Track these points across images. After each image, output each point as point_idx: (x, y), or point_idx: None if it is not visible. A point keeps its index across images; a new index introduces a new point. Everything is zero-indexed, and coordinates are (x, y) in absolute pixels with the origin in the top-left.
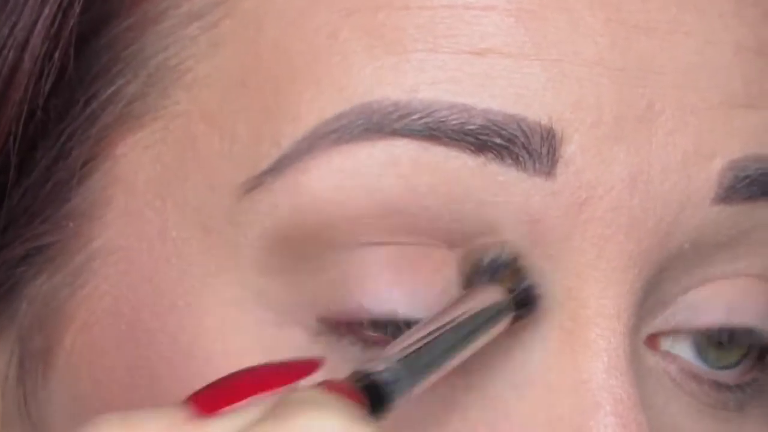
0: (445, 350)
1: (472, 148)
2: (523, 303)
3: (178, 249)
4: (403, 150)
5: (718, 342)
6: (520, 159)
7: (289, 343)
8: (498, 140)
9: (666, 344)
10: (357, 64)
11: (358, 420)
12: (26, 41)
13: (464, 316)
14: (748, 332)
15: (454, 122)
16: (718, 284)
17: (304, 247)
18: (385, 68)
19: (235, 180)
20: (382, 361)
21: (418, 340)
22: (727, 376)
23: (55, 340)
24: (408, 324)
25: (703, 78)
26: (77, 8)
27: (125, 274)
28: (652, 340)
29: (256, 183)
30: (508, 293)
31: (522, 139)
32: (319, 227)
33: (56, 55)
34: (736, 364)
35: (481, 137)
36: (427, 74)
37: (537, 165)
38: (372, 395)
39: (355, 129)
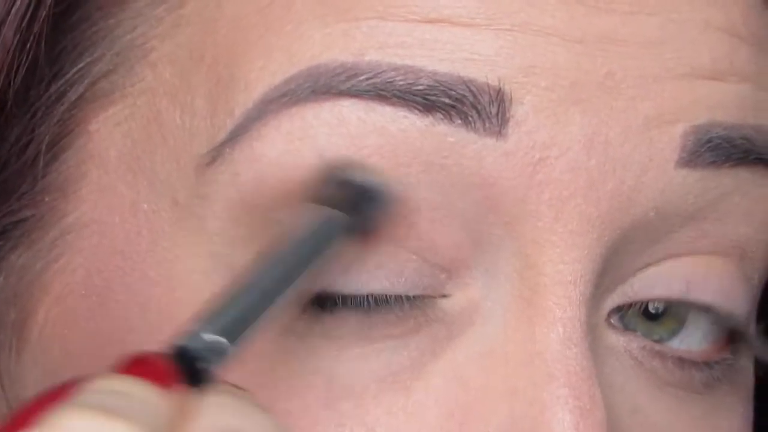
0: (266, 290)
1: (420, 108)
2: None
3: (149, 222)
4: (350, 110)
5: (646, 317)
6: (470, 118)
7: None
8: (446, 100)
9: (622, 321)
10: (308, 31)
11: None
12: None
13: (281, 252)
14: (706, 308)
15: (401, 83)
16: (680, 259)
17: (268, 214)
18: (335, 34)
19: (197, 153)
20: (195, 327)
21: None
22: (690, 353)
23: (29, 313)
24: (356, 300)
25: (667, 51)
26: None
27: (98, 246)
28: (610, 317)
29: (216, 154)
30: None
31: (470, 99)
32: (278, 192)
33: (29, 44)
34: (669, 338)
35: (428, 97)
36: (376, 39)
37: (487, 125)
38: (187, 364)
39: (303, 92)
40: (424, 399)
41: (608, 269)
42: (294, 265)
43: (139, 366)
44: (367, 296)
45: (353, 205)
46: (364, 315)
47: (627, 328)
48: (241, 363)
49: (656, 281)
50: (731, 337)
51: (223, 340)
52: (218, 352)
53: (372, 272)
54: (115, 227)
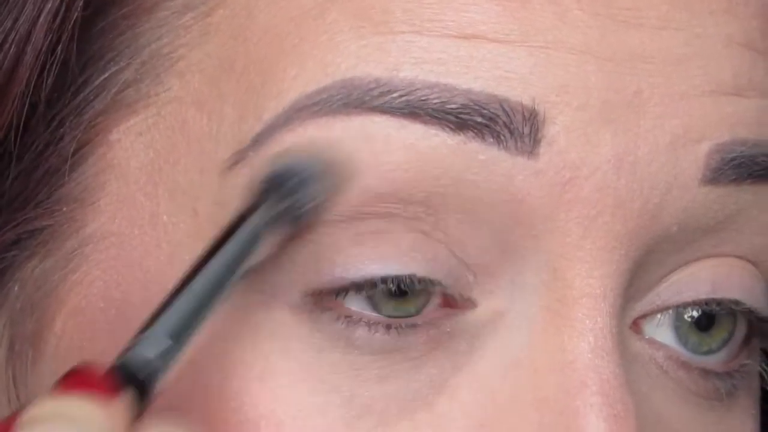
0: (200, 296)
1: (452, 126)
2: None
3: (168, 234)
4: (380, 126)
5: (697, 328)
6: (502, 137)
7: (274, 323)
8: (479, 119)
9: (649, 330)
10: (342, 42)
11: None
12: (29, 34)
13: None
14: (734, 303)
15: (435, 101)
16: (703, 262)
17: None
18: (370, 47)
19: (221, 158)
20: (138, 341)
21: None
22: (715, 363)
23: (46, 324)
24: (384, 281)
25: (692, 67)
26: (80, 1)
27: (116, 259)
28: (636, 325)
29: (238, 158)
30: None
31: (503, 118)
32: None
33: (59, 48)
34: (718, 350)
35: (461, 116)
36: (411, 54)
37: (519, 144)
38: (130, 377)
39: (335, 103)
40: (449, 411)
41: (633, 281)
42: (226, 262)
43: (79, 379)
44: (398, 283)
45: (280, 191)
46: (385, 334)
47: (678, 340)
48: (260, 380)
49: (682, 287)
50: (744, 340)
51: (167, 341)
52: (164, 355)
53: (407, 254)
54: (134, 239)
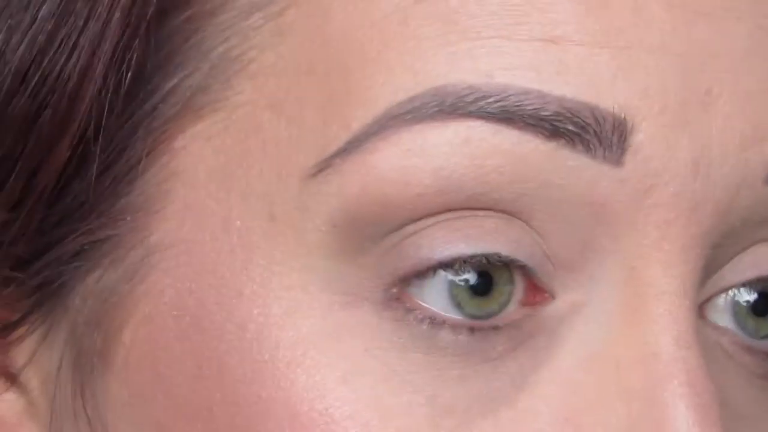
0: None
1: (546, 133)
2: None
3: (242, 239)
4: (477, 131)
5: (754, 313)
6: (591, 146)
7: (357, 323)
8: (571, 127)
9: (711, 315)
10: (431, 49)
11: None
12: (102, 33)
13: None
14: None
15: (529, 107)
16: (762, 244)
17: (370, 227)
18: (460, 53)
19: (304, 165)
20: None
21: None
22: None
23: (113, 336)
24: (472, 258)
25: (756, 62)
26: (151, 7)
27: (187, 266)
28: (701, 310)
29: (325, 165)
30: None
31: (594, 127)
32: (385, 206)
33: (133, 48)
34: None
35: (555, 123)
36: (502, 60)
37: (607, 153)
38: None
39: (429, 110)
40: (533, 407)
41: (704, 275)
42: None
43: None
44: (484, 262)
45: None
46: (468, 336)
47: (737, 325)
48: (344, 381)
49: (745, 266)
50: None
51: None
52: None
53: (492, 234)
54: (205, 245)
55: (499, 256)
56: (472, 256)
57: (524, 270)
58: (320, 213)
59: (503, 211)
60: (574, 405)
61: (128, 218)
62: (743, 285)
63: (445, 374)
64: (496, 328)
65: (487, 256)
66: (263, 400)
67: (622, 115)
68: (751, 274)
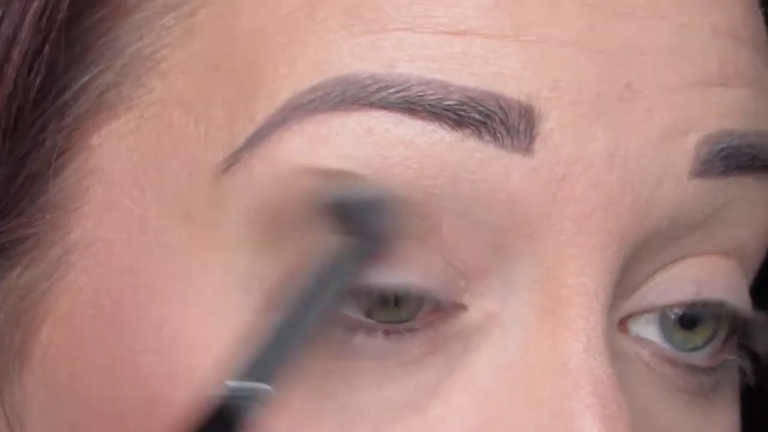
0: (289, 330)
1: (450, 123)
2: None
3: (159, 238)
4: (379, 121)
5: (681, 326)
6: (498, 135)
7: None
8: (476, 116)
9: (635, 329)
10: (335, 41)
11: None
12: (14, 35)
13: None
14: (719, 305)
15: (431, 97)
16: (688, 261)
17: (285, 221)
18: (363, 45)
19: (213, 161)
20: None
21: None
22: (699, 359)
23: (32, 334)
24: (382, 290)
25: (680, 58)
26: (63, 12)
27: (105, 265)
28: (623, 324)
29: (233, 161)
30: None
31: (500, 115)
32: (295, 198)
33: (45, 49)
34: (702, 346)
35: (459, 112)
36: (405, 51)
37: (515, 141)
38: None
39: (330, 100)
40: (444, 414)
41: (622, 279)
42: (313, 301)
43: None
44: (394, 295)
45: (360, 225)
46: (384, 340)
47: (664, 338)
48: None
49: (668, 288)
50: (727, 337)
51: (256, 385)
52: (254, 398)
53: (403, 264)
54: (122, 245)
55: (410, 286)
56: (381, 288)
57: (434, 294)
58: (234, 209)
59: (410, 225)
60: (485, 415)
61: (47, 216)
62: (665, 307)
63: (359, 380)
64: (411, 330)
65: (395, 289)
66: (176, 402)
67: (529, 103)
68: (674, 298)
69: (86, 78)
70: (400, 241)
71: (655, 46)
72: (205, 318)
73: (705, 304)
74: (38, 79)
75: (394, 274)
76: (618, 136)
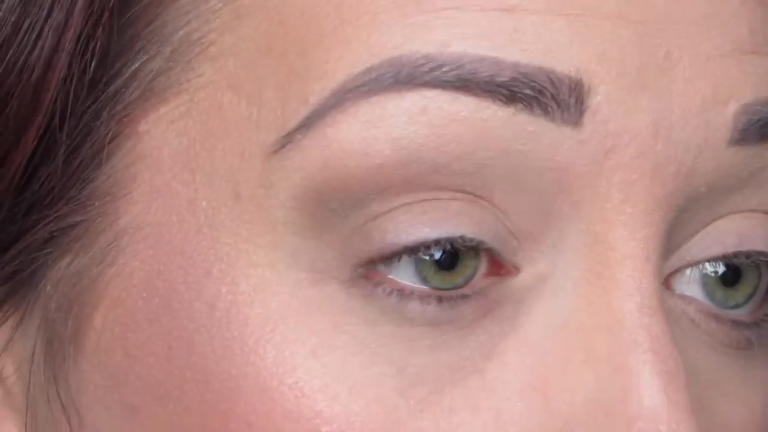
0: None
1: (503, 99)
2: None
3: (208, 218)
4: (433, 100)
5: (723, 284)
6: (549, 109)
7: (325, 300)
8: (528, 91)
9: (679, 287)
10: (386, 22)
11: None
12: (66, 21)
13: None
14: (761, 255)
15: (484, 74)
16: (727, 218)
17: (334, 202)
18: (415, 25)
19: (265, 142)
20: None
21: None
22: (742, 315)
23: (85, 320)
24: (437, 243)
25: (714, 27)
26: None
27: (156, 248)
28: (667, 282)
29: (285, 141)
30: None
31: (551, 90)
32: (347, 179)
33: (98, 32)
34: (743, 303)
35: (512, 88)
36: (457, 29)
37: (565, 115)
38: None
39: (385, 81)
40: (501, 375)
41: (666, 240)
42: None
43: None
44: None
45: None
46: (437, 306)
47: (706, 296)
48: (314, 355)
49: (710, 241)
50: (766, 293)
51: None
52: None
53: (456, 217)
54: (173, 227)
55: (463, 238)
56: (437, 241)
57: (489, 250)
58: (284, 189)
59: (465, 191)
60: (541, 373)
61: (96, 203)
62: (708, 261)
63: (415, 345)
64: (464, 296)
65: (451, 240)
66: (233, 376)
67: (579, 77)
68: (716, 250)
69: (137, 65)
70: (453, 202)
71: (690, 15)
72: (255, 294)
73: (748, 254)
74: (92, 65)
75: (449, 225)
76: (662, 107)
